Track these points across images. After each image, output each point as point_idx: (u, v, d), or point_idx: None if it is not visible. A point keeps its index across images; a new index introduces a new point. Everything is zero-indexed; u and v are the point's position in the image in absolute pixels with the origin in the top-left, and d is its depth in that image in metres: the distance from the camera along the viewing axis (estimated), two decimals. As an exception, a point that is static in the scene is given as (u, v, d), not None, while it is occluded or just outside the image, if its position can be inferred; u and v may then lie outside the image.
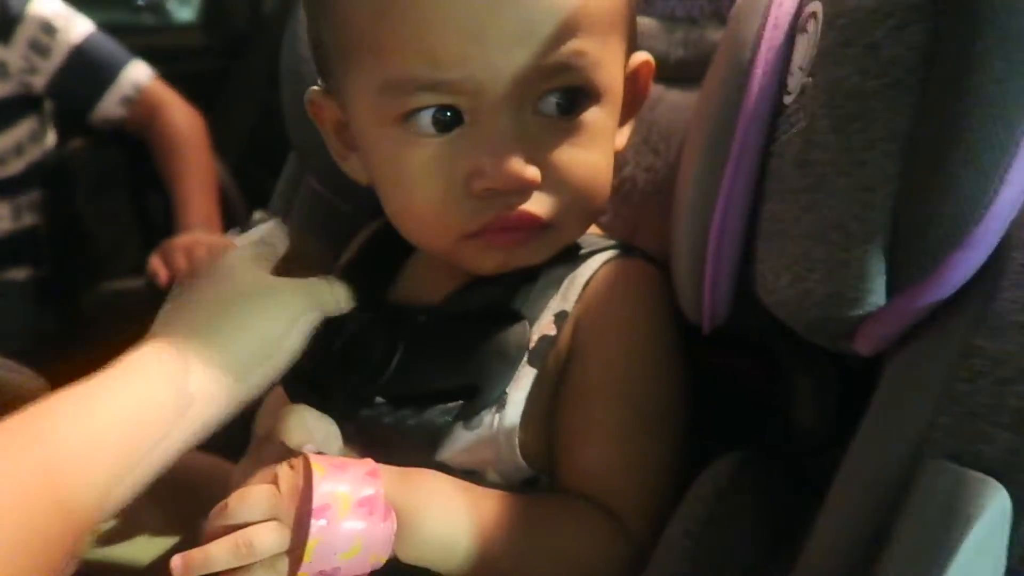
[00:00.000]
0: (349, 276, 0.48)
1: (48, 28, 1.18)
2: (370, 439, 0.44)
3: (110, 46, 1.23)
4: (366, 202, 0.53)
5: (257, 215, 1.27)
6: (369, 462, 0.39)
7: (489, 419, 0.43)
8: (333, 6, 0.44)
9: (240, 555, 0.37)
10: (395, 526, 0.38)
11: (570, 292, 0.46)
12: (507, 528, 0.40)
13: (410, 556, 0.39)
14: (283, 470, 0.39)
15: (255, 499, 0.38)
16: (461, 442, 0.43)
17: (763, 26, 0.37)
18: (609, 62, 0.44)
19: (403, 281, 0.52)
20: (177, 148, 1.23)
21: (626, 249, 0.48)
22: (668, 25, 0.58)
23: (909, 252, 0.29)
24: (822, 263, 0.31)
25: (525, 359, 0.44)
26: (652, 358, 0.45)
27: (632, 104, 0.49)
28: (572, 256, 0.47)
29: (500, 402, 0.43)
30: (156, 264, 1.10)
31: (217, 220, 1.22)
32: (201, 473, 0.51)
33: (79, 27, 1.20)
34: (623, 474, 0.43)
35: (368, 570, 0.38)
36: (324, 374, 0.47)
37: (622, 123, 0.48)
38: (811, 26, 0.34)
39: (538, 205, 0.43)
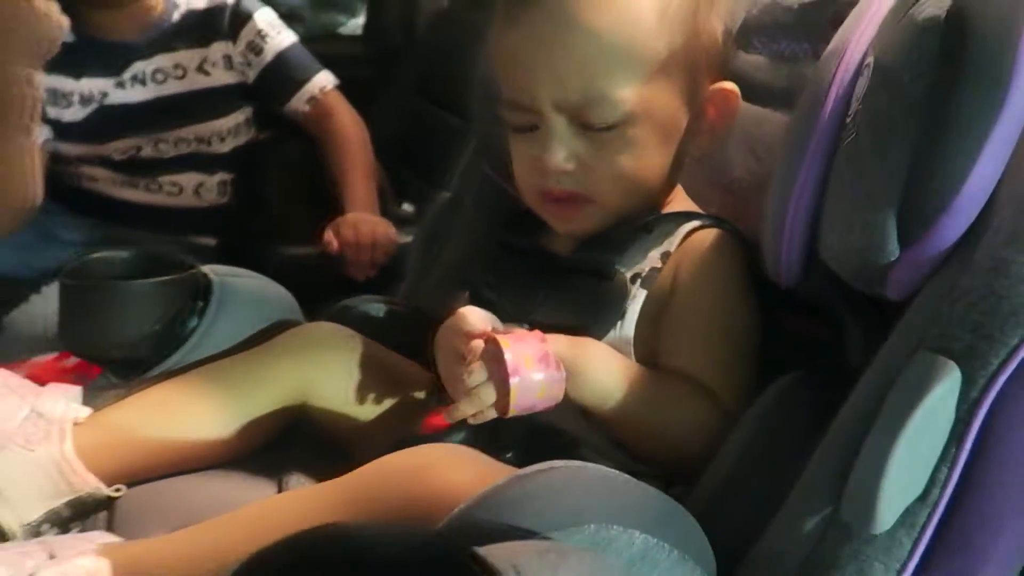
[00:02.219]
0: (518, 226, 0.71)
1: (263, 34, 1.43)
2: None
3: (305, 55, 1.48)
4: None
5: (405, 206, 1.49)
6: (538, 332, 0.59)
7: (613, 333, 0.62)
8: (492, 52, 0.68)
9: (475, 404, 0.57)
10: (564, 374, 0.57)
11: (673, 241, 0.65)
12: (642, 384, 0.59)
13: (576, 396, 0.58)
14: (476, 344, 0.59)
15: (477, 368, 0.58)
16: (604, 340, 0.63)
17: (837, 69, 0.54)
18: (645, 98, 0.63)
19: (553, 232, 0.71)
20: (345, 145, 1.47)
21: (718, 221, 0.66)
22: (776, 62, 0.75)
23: (913, 216, 0.46)
24: (859, 224, 0.48)
25: (638, 285, 0.63)
26: (733, 295, 0.64)
27: (717, 119, 0.67)
28: (675, 219, 0.66)
29: (621, 318, 0.62)
30: (329, 236, 1.33)
31: (375, 205, 1.45)
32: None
33: (286, 37, 1.45)
34: (716, 368, 0.61)
35: (552, 403, 0.57)
36: (494, 297, 0.68)
37: (695, 135, 0.67)
38: (867, 71, 0.51)
39: (573, 184, 0.65)
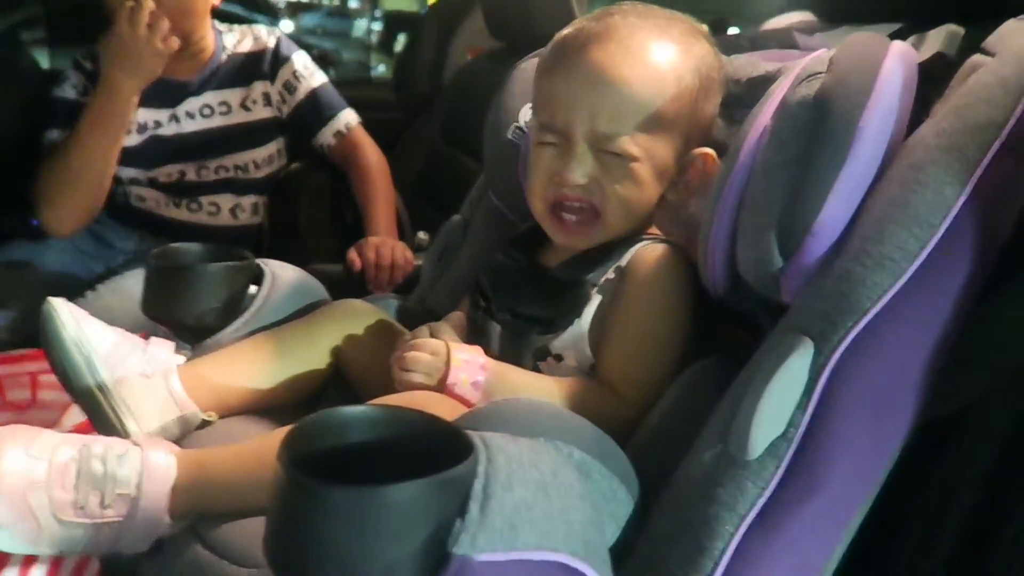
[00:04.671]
0: (519, 242, 0.88)
1: (298, 75, 1.63)
2: (504, 334, 0.85)
3: (334, 94, 1.67)
4: (526, 213, 0.92)
5: (421, 234, 1.68)
6: (483, 357, 0.79)
7: (573, 326, 0.81)
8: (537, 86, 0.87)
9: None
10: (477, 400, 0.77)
11: (626, 256, 0.84)
12: (550, 392, 0.78)
13: None
14: (440, 345, 0.79)
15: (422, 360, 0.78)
16: (558, 340, 0.82)
17: (749, 132, 0.73)
18: (651, 144, 0.82)
19: (544, 251, 0.91)
20: (368, 175, 1.64)
21: (665, 240, 0.85)
22: (730, 125, 0.94)
23: (788, 237, 0.65)
24: (752, 242, 0.67)
25: (596, 291, 0.82)
26: (660, 301, 0.82)
27: (695, 176, 0.86)
28: (630, 242, 0.85)
29: (579, 316, 0.81)
30: (352, 256, 1.51)
31: (395, 229, 1.62)
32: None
33: (318, 77, 1.66)
34: (630, 362, 0.79)
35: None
36: (491, 294, 0.87)
37: (676, 185, 0.87)
38: (767, 134, 0.71)
39: (584, 194, 0.83)
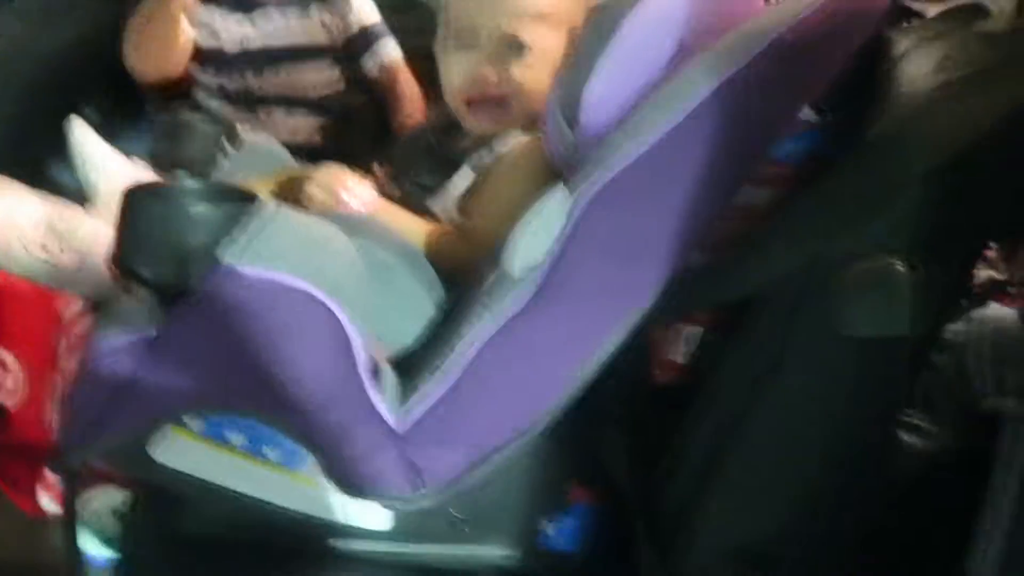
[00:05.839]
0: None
1: (351, 5, 1.83)
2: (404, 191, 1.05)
3: (382, 28, 1.82)
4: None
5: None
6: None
7: (451, 190, 1.01)
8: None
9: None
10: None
11: (508, 144, 1.02)
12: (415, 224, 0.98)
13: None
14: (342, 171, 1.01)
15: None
16: (436, 202, 1.02)
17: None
18: (541, 34, 0.98)
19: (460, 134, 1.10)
20: (403, 107, 1.80)
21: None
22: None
23: (568, 109, 0.83)
24: (550, 114, 0.86)
25: (469, 166, 1.02)
26: (515, 176, 0.98)
27: None
28: (516, 135, 1.03)
29: (454, 184, 1.02)
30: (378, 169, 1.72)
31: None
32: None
33: (368, 11, 1.82)
34: (479, 218, 0.98)
35: None
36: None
37: None
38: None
39: (495, 88, 1.00)
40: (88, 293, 0.98)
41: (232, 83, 1.80)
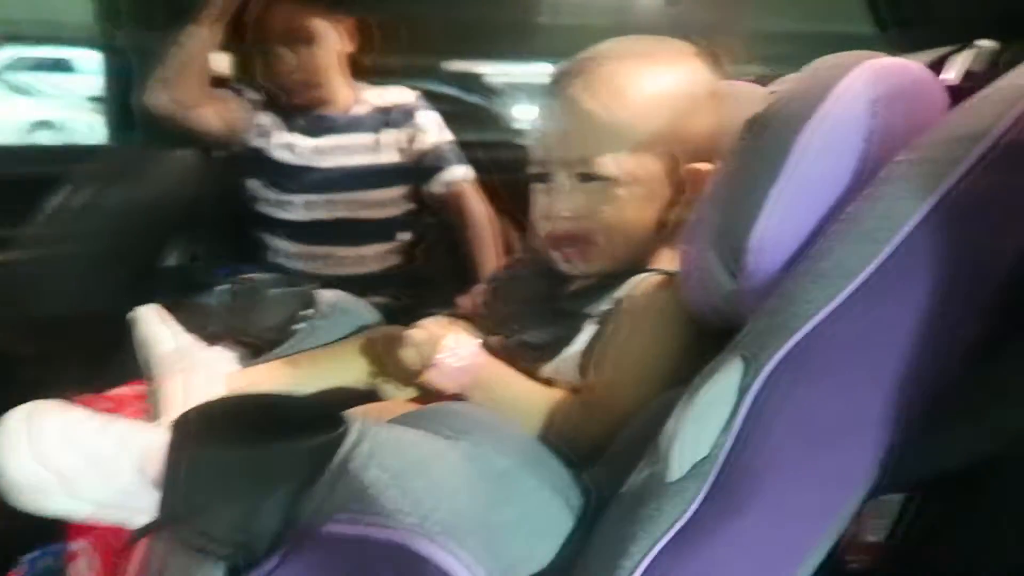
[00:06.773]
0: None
1: (423, 127, 1.75)
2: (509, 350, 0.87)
3: (454, 151, 1.77)
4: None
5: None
6: (478, 348, 0.84)
7: (562, 354, 0.83)
8: None
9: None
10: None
11: (625, 288, 0.85)
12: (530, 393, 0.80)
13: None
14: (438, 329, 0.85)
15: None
16: (547, 367, 0.84)
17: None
18: (632, 164, 0.84)
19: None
20: (473, 227, 1.74)
21: (667, 272, 0.84)
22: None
23: (728, 254, 0.64)
24: (696, 261, 0.66)
25: (592, 322, 0.84)
26: (651, 333, 0.81)
27: (692, 194, 0.84)
28: (632, 272, 0.86)
29: (570, 344, 0.84)
30: (462, 300, 1.58)
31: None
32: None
33: (443, 135, 1.77)
34: (611, 386, 0.80)
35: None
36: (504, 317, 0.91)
37: (675, 205, 0.86)
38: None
39: (571, 226, 0.87)
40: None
41: (296, 204, 1.72)
